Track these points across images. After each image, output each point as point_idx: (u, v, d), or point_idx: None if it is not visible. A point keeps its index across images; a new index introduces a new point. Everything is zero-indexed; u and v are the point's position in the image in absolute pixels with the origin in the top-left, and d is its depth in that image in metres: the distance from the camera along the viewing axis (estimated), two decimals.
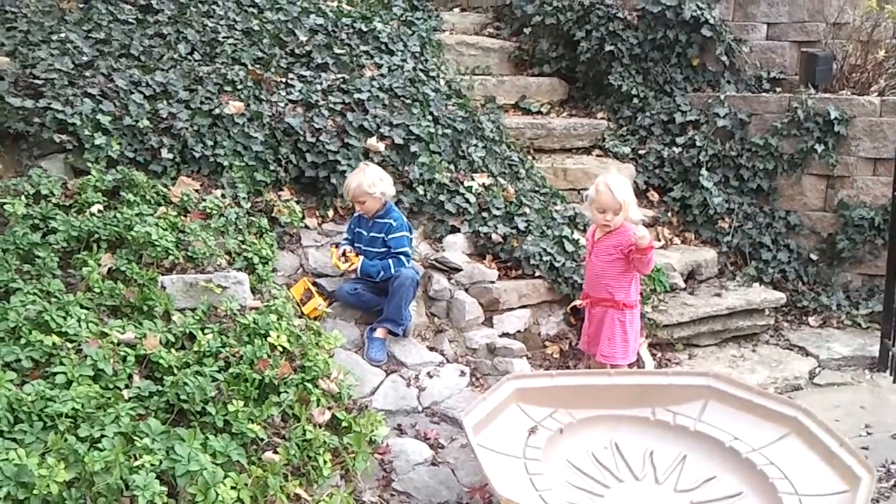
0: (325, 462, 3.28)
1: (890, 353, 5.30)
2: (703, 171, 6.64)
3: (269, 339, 3.65)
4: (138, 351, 3.44)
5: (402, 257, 4.62)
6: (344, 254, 4.63)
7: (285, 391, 3.46)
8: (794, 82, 7.02)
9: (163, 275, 3.97)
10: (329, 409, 3.52)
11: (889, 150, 6.19)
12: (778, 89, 7.09)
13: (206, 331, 3.68)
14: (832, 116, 6.35)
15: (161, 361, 3.40)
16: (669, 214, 6.68)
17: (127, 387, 3.29)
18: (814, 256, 6.55)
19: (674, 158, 6.79)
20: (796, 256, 6.56)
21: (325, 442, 3.33)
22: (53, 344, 3.25)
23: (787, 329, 6.11)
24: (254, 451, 3.20)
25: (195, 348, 3.55)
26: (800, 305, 6.37)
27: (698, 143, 6.74)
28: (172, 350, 3.52)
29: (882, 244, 6.23)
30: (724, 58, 7.06)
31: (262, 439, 3.23)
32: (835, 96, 6.56)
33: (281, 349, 3.66)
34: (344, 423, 3.52)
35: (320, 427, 3.39)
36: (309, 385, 3.52)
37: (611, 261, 4.43)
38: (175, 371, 3.38)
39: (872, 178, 6.40)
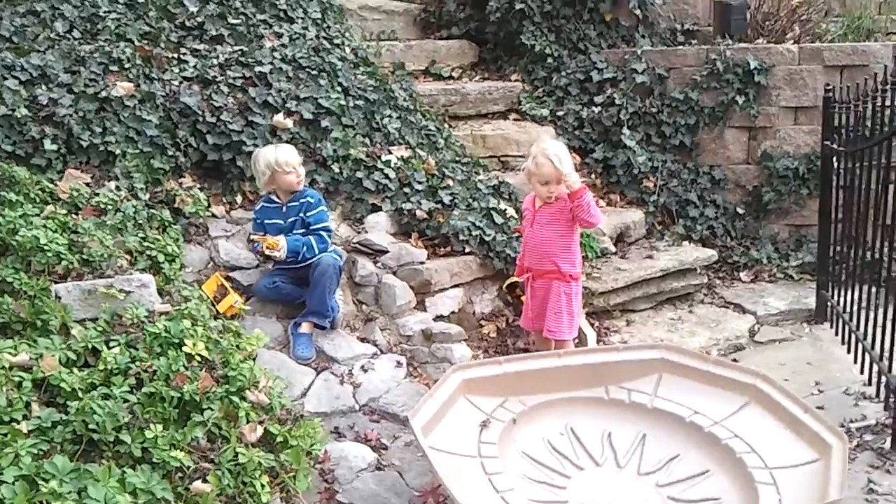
0: (262, 486, 2.91)
1: (828, 305, 5.20)
2: (625, 130, 6.45)
3: (184, 348, 3.23)
4: (35, 374, 2.97)
5: (324, 233, 4.32)
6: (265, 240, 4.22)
7: (209, 408, 3.06)
8: (709, 33, 6.90)
9: (56, 283, 3.49)
10: (260, 423, 3.14)
11: (810, 98, 6.12)
12: (693, 41, 6.96)
13: (111, 344, 3.24)
14: (752, 66, 6.22)
15: (63, 385, 2.95)
16: (593, 176, 6.46)
17: (25, 418, 2.84)
18: (740, 210, 6.46)
19: (593, 118, 6.57)
20: (723, 211, 6.47)
21: (259, 463, 2.96)
22: None
23: (721, 286, 6.00)
24: (180, 482, 2.81)
25: (100, 366, 3.10)
26: (730, 261, 6.27)
27: (617, 102, 6.54)
28: (74, 370, 3.06)
29: (807, 194, 6.21)
30: (638, 11, 6.87)
31: (188, 467, 2.83)
32: (752, 46, 6.44)
33: (199, 359, 3.25)
34: (279, 438, 3.15)
35: (253, 446, 3.01)
36: (235, 398, 3.12)
37: (555, 228, 4.18)
38: (80, 395, 2.94)
39: (794, 127, 6.31)
